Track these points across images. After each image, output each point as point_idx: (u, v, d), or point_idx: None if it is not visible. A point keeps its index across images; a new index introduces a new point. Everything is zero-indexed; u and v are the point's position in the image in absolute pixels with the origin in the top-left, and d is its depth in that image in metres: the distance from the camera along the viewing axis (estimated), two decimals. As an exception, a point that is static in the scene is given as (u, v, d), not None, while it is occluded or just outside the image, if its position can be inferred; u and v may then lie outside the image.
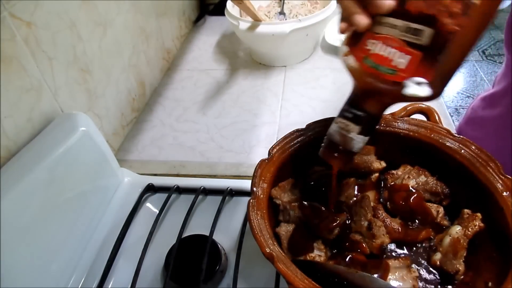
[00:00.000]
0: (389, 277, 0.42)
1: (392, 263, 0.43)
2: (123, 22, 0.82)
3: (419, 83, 0.32)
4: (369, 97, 0.36)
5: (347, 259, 0.44)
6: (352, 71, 0.37)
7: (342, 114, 0.38)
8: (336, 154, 0.38)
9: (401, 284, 0.41)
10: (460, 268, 0.42)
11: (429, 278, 0.44)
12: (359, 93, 0.37)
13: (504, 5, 2.65)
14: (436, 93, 0.33)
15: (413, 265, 0.44)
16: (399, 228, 0.46)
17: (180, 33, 1.17)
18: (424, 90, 0.32)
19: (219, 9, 1.23)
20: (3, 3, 0.50)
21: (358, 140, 0.38)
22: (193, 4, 1.28)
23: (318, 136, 0.53)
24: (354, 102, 0.38)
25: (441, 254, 0.43)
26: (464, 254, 0.42)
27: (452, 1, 0.31)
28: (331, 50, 1.04)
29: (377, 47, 0.34)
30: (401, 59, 0.32)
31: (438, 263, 0.43)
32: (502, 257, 0.41)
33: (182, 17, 1.18)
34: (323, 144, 0.39)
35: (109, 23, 0.77)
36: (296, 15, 1.07)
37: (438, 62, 0.32)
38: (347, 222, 0.47)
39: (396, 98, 0.35)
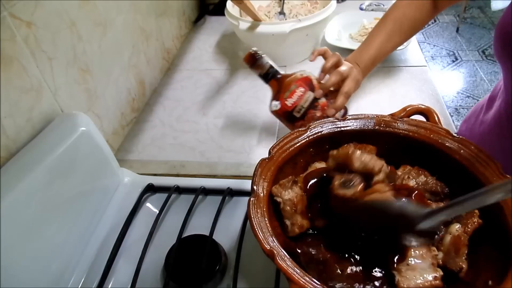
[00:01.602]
0: (410, 252, 0.42)
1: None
2: (123, 22, 0.82)
3: (274, 106, 0.69)
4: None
5: None
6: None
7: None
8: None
9: (420, 262, 0.42)
10: (463, 266, 0.42)
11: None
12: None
13: (504, 5, 2.66)
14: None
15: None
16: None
17: (180, 33, 1.17)
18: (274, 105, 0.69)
19: (219, 9, 1.23)
20: (3, 3, 0.50)
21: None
22: (193, 4, 1.28)
23: (318, 136, 0.53)
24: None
25: (443, 253, 0.43)
26: (466, 251, 0.43)
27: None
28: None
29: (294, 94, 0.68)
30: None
31: (440, 262, 0.43)
32: (502, 256, 0.41)
33: (182, 17, 1.19)
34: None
35: (109, 23, 0.77)
36: (296, 15, 1.07)
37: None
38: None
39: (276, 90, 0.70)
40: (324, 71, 0.69)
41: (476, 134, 0.75)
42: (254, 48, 0.70)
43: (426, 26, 3.20)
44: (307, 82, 0.67)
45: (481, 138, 0.73)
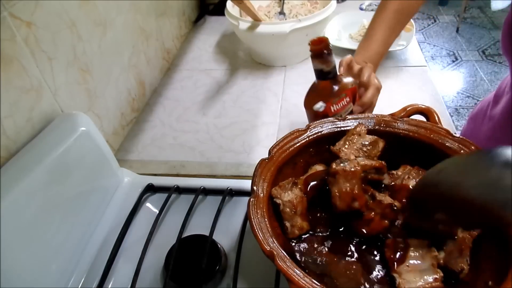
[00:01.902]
0: (410, 254, 0.42)
1: (411, 241, 0.43)
2: (123, 22, 0.82)
3: (319, 107, 0.63)
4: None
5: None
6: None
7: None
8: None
9: (420, 263, 0.42)
10: (465, 267, 0.42)
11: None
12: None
13: (504, 5, 2.66)
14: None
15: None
16: None
17: (180, 33, 1.17)
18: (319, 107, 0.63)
19: (219, 9, 1.23)
20: (3, 3, 0.50)
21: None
22: (193, 4, 1.28)
23: (318, 136, 0.53)
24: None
25: (444, 253, 0.43)
26: (468, 253, 0.43)
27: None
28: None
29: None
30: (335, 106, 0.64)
31: (441, 261, 0.43)
32: (502, 256, 0.41)
33: (182, 17, 1.18)
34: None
35: (109, 23, 0.77)
36: (296, 15, 1.07)
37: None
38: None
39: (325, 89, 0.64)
40: (363, 85, 0.67)
41: (485, 130, 0.76)
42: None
43: (426, 26, 3.21)
44: (354, 94, 0.66)
45: (491, 133, 0.73)
